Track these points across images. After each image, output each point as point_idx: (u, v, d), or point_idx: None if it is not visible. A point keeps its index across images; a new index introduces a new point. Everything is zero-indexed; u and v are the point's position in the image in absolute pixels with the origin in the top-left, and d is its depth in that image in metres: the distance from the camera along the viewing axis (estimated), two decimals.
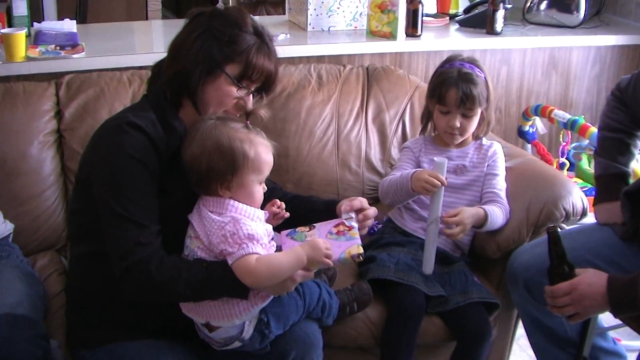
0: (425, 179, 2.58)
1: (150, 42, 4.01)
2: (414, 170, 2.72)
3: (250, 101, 2.21)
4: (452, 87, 2.72)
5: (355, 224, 2.22)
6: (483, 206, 2.71)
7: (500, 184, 2.80)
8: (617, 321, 2.46)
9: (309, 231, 2.21)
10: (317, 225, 2.23)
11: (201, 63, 2.12)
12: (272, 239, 2.16)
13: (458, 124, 2.76)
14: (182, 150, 2.09)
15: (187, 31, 2.18)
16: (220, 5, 2.42)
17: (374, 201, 3.30)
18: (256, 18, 2.41)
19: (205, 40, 2.13)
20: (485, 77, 2.78)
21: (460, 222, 2.60)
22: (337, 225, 2.22)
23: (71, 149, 2.90)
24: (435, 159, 2.63)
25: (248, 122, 2.19)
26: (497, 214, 2.70)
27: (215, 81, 2.15)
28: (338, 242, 2.14)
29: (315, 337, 2.32)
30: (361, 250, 2.11)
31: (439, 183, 2.56)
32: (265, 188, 2.16)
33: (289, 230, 2.22)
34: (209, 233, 2.02)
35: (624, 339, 3.13)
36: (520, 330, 2.87)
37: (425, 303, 2.57)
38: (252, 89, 2.21)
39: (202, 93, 2.15)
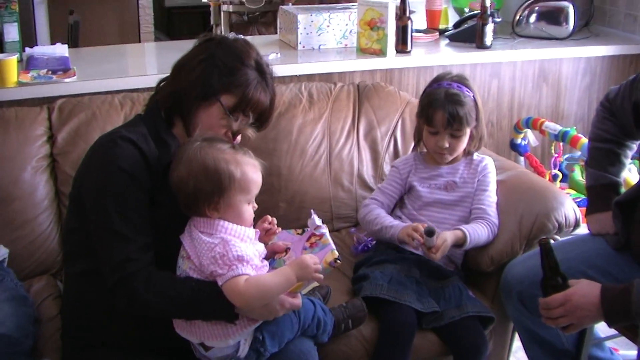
0: (413, 235, 2.66)
1: (142, 64, 4.03)
2: (399, 230, 2.74)
3: (234, 125, 2.23)
4: (439, 109, 2.74)
5: (324, 230, 2.23)
6: (463, 227, 2.72)
7: (489, 199, 2.81)
8: (614, 331, 2.45)
9: (285, 255, 2.22)
10: (291, 246, 2.23)
11: (199, 88, 2.16)
12: (267, 257, 2.18)
13: (447, 145, 2.78)
14: (170, 172, 2.10)
15: (193, 54, 2.24)
16: (231, 35, 2.46)
17: None
18: (248, 38, 2.44)
19: (206, 67, 2.18)
20: (474, 96, 2.79)
21: (437, 247, 2.61)
22: (308, 239, 2.23)
23: (64, 173, 2.89)
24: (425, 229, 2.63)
25: (235, 141, 2.20)
26: (479, 232, 2.71)
27: (209, 108, 2.18)
28: (313, 254, 2.14)
29: (311, 354, 2.31)
30: (336, 255, 2.13)
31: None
32: (256, 207, 2.16)
33: (269, 260, 2.22)
34: (200, 254, 2.03)
35: (622, 349, 3.12)
36: (517, 343, 2.88)
37: (416, 321, 2.57)
38: (244, 122, 2.23)
39: (194, 117, 2.19)
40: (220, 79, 2.17)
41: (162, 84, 2.33)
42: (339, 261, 2.13)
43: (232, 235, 2.05)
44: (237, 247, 2.01)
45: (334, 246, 2.17)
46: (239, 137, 2.25)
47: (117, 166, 2.04)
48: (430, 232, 2.57)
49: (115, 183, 2.04)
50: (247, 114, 2.21)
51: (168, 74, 2.31)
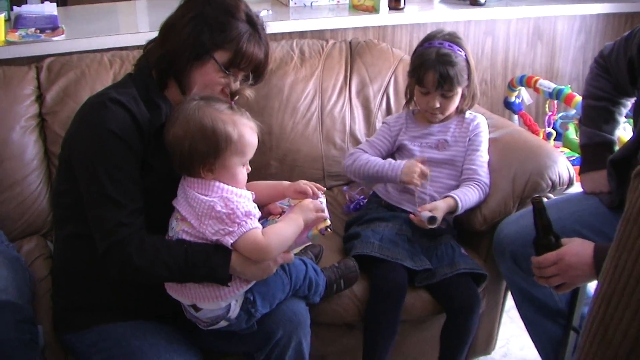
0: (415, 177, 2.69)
1: (134, 22, 3.97)
2: (400, 167, 2.73)
3: (236, 85, 2.20)
4: (430, 70, 2.71)
5: (322, 200, 2.21)
6: (453, 193, 2.71)
7: (480, 159, 2.79)
8: None
9: (279, 217, 2.19)
10: (287, 210, 2.21)
11: (190, 47, 2.11)
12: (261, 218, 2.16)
13: (437, 105, 2.76)
14: (164, 131, 2.07)
15: (180, 13, 2.18)
16: None
17: None
18: None
19: (196, 25, 2.13)
20: (466, 55, 2.76)
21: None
22: None
23: (53, 133, 2.88)
24: (424, 215, 2.61)
25: (233, 102, 2.16)
26: (470, 196, 2.71)
27: (203, 66, 2.14)
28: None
29: (303, 315, 2.32)
30: (328, 223, 2.12)
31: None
32: (249, 169, 2.14)
33: (262, 222, 2.21)
34: (200, 214, 2.00)
35: None
36: (510, 302, 2.87)
37: (408, 279, 2.57)
38: (240, 77, 2.20)
39: (189, 77, 2.15)
40: (211, 35, 2.12)
41: (150, 45, 2.28)
42: (329, 229, 2.12)
43: (229, 194, 2.03)
44: (243, 204, 2.01)
45: (328, 216, 2.15)
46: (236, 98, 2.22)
47: (106, 129, 2.00)
48: (432, 220, 2.57)
49: (105, 147, 2.01)
50: (243, 69, 2.18)
51: (157, 34, 2.26)
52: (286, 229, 2.05)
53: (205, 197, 2.00)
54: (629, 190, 0.66)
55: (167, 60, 2.14)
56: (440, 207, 2.64)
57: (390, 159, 2.82)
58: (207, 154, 2.01)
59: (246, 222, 1.99)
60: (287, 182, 2.28)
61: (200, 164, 2.02)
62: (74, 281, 2.24)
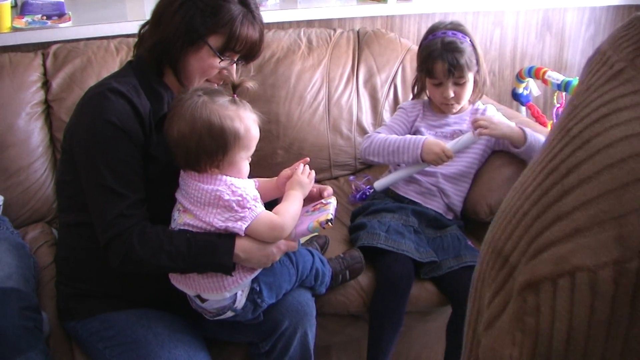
0: (439, 154, 2.65)
1: (141, 9, 3.96)
2: (423, 138, 2.70)
3: (234, 71, 2.18)
4: (437, 60, 2.70)
5: (333, 201, 2.21)
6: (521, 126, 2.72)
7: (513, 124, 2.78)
8: None
9: (312, 209, 2.20)
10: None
11: (183, 34, 2.07)
12: None
13: (452, 94, 2.75)
14: (166, 126, 2.03)
15: None
16: None
17: (365, 166, 3.30)
18: None
19: (187, 10, 2.07)
20: (471, 41, 2.75)
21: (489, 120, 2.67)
22: (314, 205, 2.22)
23: (59, 120, 2.87)
24: (469, 135, 2.66)
25: (235, 95, 2.13)
26: (538, 136, 2.70)
27: (198, 52, 2.10)
28: (311, 216, 2.13)
29: (309, 305, 2.31)
30: (330, 217, 2.09)
31: (451, 159, 2.66)
32: (250, 160, 2.12)
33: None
34: (205, 203, 1.99)
35: None
36: None
37: (413, 272, 2.56)
38: (236, 59, 2.17)
39: (184, 63, 2.12)
40: (203, 20, 2.07)
41: (143, 31, 2.24)
42: (330, 224, 2.08)
43: (235, 182, 2.01)
44: (249, 189, 2.01)
45: (333, 212, 2.13)
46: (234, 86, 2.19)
47: (107, 121, 1.98)
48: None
49: (106, 138, 1.99)
50: (238, 51, 2.15)
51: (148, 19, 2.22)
52: (293, 205, 2.06)
53: (210, 187, 1.98)
54: (519, 311, 0.63)
55: (161, 48, 2.10)
56: (496, 125, 2.67)
57: (409, 135, 2.80)
58: (216, 151, 1.97)
59: (256, 206, 1.98)
60: (274, 178, 2.26)
61: (208, 161, 1.99)
62: (78, 269, 2.23)
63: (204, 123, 1.95)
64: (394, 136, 2.80)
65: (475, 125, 2.65)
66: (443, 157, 2.64)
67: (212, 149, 1.96)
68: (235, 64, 2.18)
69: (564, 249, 0.57)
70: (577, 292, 0.56)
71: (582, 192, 0.60)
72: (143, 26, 2.25)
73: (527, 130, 2.67)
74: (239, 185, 1.99)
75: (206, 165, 1.99)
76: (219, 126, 1.96)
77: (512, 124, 2.71)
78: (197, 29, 2.07)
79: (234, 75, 2.17)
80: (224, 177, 2.01)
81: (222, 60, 2.12)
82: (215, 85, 2.20)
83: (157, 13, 2.14)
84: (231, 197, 1.96)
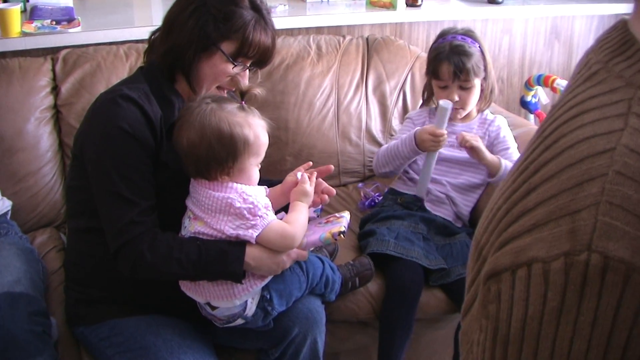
0: (430, 138, 2.64)
1: (149, 15, 3.97)
2: (413, 132, 2.71)
3: (246, 78, 2.17)
4: (444, 61, 2.71)
5: (346, 215, 2.22)
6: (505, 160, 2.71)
7: (512, 158, 2.74)
8: None
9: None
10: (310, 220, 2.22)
11: (196, 40, 2.07)
12: None
13: (457, 98, 2.74)
14: (175, 134, 2.03)
15: (182, 5, 2.12)
16: None
17: (374, 174, 3.29)
18: None
19: (200, 16, 2.07)
20: (480, 47, 2.75)
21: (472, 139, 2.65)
22: (328, 218, 2.23)
23: (68, 125, 2.87)
24: (440, 102, 2.64)
25: (243, 102, 2.13)
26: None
27: (211, 58, 2.10)
28: (324, 227, 2.15)
29: (319, 313, 2.31)
30: (343, 229, 2.09)
31: (444, 136, 2.64)
32: (259, 167, 2.12)
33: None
34: (216, 210, 1.98)
35: None
36: None
37: (423, 278, 2.55)
38: (248, 65, 2.17)
39: (197, 70, 2.11)
40: (216, 26, 2.07)
41: (154, 37, 2.24)
42: (342, 235, 2.09)
43: (246, 189, 2.01)
44: (260, 197, 2.01)
45: (346, 225, 2.14)
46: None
47: (118, 127, 1.97)
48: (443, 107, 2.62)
49: (117, 145, 1.98)
50: (251, 57, 2.15)
51: (159, 26, 2.22)
52: (301, 215, 2.06)
53: (221, 194, 1.98)
54: (484, 299, 0.68)
55: (173, 55, 2.10)
56: (482, 148, 2.65)
57: (403, 136, 2.79)
58: (226, 159, 1.97)
59: (267, 215, 1.98)
60: (278, 186, 2.25)
61: (219, 168, 1.99)
62: (87, 274, 2.23)
63: (213, 131, 1.95)
64: (392, 142, 2.82)
65: (461, 139, 2.65)
66: (435, 139, 2.64)
67: (222, 156, 1.96)
68: (247, 70, 2.18)
69: (524, 242, 0.62)
70: (533, 281, 0.60)
71: (544, 189, 0.64)
72: (154, 32, 2.24)
73: (503, 163, 2.67)
74: (250, 193, 1.99)
75: (216, 173, 1.99)
76: (229, 133, 1.95)
77: (494, 157, 2.69)
78: (210, 35, 2.07)
79: (246, 81, 2.17)
80: (235, 184, 2.00)
81: (235, 66, 2.11)
82: (225, 92, 2.20)
83: (169, 20, 2.14)
84: (242, 204, 1.95)
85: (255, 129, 2.01)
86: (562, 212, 0.61)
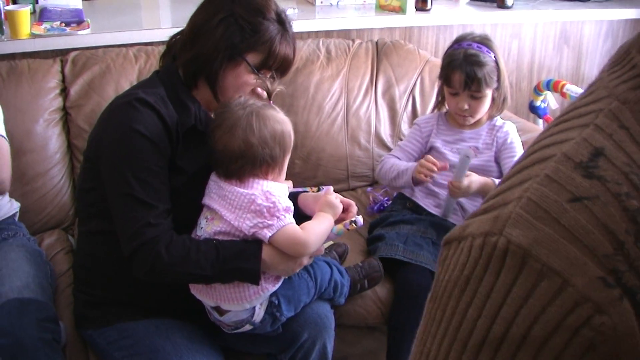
0: (422, 170, 2.65)
1: (157, 17, 3.97)
2: (412, 168, 2.71)
3: (269, 86, 2.18)
4: (456, 70, 2.69)
5: (359, 218, 2.21)
6: (493, 178, 2.69)
7: None
8: None
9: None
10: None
11: (223, 49, 2.08)
12: None
13: (466, 106, 2.73)
14: (216, 139, 2.03)
15: (209, 13, 2.12)
16: None
17: None
18: None
19: (227, 26, 2.09)
20: (495, 57, 2.72)
21: (464, 188, 2.62)
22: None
23: (77, 127, 2.87)
24: (462, 151, 2.64)
25: (271, 102, 2.15)
26: None
27: (236, 69, 2.11)
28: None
29: (328, 318, 2.30)
30: (354, 219, 2.15)
31: (460, 189, 2.61)
32: None
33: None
34: (237, 206, 1.98)
35: None
36: None
37: (431, 283, 2.53)
38: (269, 76, 2.17)
39: (221, 78, 2.12)
40: (243, 37, 2.09)
41: (175, 40, 2.25)
42: (354, 225, 2.12)
43: (271, 188, 2.02)
44: (283, 199, 2.01)
45: (358, 217, 2.17)
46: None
47: (135, 131, 1.97)
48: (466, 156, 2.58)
49: (134, 148, 1.98)
50: (273, 68, 2.16)
51: (180, 30, 2.23)
52: (321, 226, 2.07)
53: (245, 190, 1.99)
54: (438, 261, 0.75)
55: (199, 63, 2.11)
56: (474, 178, 2.63)
57: (406, 164, 2.79)
58: (279, 156, 2.03)
59: (285, 217, 1.98)
60: (313, 194, 2.29)
61: (269, 167, 2.03)
62: (96, 277, 2.23)
63: (269, 131, 2.01)
64: (397, 164, 2.82)
65: (451, 190, 2.65)
66: (426, 170, 2.64)
67: (277, 154, 2.02)
68: (272, 80, 2.19)
69: (472, 221, 0.71)
70: (462, 252, 0.70)
71: (502, 185, 0.73)
72: (174, 36, 2.25)
73: (496, 182, 2.66)
74: (274, 193, 1.99)
75: (261, 172, 2.04)
76: (281, 131, 2.03)
77: (486, 180, 2.68)
78: (237, 46, 2.08)
79: (269, 89, 2.17)
80: (262, 181, 2.02)
81: (258, 77, 2.12)
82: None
83: (195, 26, 2.14)
84: (264, 202, 1.96)
85: (289, 126, 2.09)
86: (500, 202, 0.70)
